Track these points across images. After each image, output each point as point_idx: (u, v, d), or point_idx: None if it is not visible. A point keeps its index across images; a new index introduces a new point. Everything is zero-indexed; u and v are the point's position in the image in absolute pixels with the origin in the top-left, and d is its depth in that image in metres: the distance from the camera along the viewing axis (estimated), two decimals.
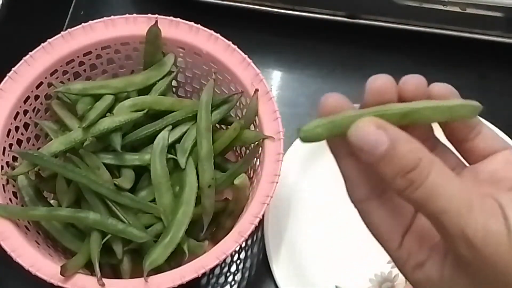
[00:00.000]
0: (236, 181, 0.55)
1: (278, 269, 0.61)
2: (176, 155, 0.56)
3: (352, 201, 0.33)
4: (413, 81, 0.32)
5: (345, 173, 0.33)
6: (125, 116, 0.56)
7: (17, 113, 0.57)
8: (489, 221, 0.29)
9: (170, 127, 0.57)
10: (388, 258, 0.60)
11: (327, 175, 0.66)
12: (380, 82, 0.32)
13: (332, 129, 0.31)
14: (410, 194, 0.29)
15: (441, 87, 0.33)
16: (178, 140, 0.57)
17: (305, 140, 0.31)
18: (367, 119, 0.30)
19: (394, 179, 0.29)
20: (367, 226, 0.33)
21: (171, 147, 0.57)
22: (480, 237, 0.29)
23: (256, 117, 0.57)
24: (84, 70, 0.61)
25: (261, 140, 0.56)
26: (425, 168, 0.29)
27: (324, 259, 0.63)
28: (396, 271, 0.61)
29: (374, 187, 0.32)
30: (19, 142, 0.58)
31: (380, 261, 0.62)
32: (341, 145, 0.32)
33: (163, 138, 0.56)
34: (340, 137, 0.31)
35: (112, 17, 0.59)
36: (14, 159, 0.57)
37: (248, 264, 0.63)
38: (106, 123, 0.55)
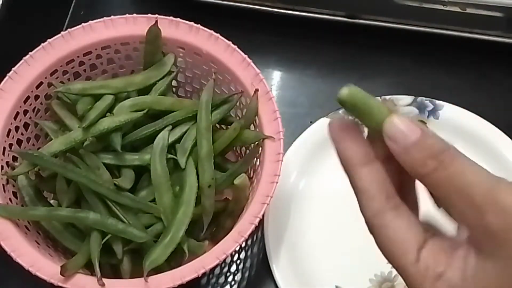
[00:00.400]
0: (236, 181, 0.55)
1: (278, 269, 0.61)
2: (176, 155, 0.56)
3: (367, 217, 0.33)
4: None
5: (359, 185, 0.33)
6: (125, 116, 0.56)
7: (17, 113, 0.57)
8: None
9: (170, 127, 0.57)
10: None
11: (328, 175, 0.66)
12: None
13: (367, 102, 0.31)
14: (439, 173, 0.31)
15: None
16: (178, 140, 0.57)
17: (348, 95, 0.31)
18: (402, 116, 0.31)
19: (424, 162, 0.31)
20: (381, 243, 0.34)
21: (171, 147, 0.57)
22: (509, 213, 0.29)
23: (256, 117, 0.57)
24: (84, 70, 0.61)
25: (261, 140, 0.56)
26: (452, 152, 0.31)
27: (324, 258, 0.63)
28: (396, 271, 0.61)
29: (390, 197, 0.32)
30: (19, 142, 0.58)
31: (380, 261, 0.61)
32: (356, 154, 0.32)
33: (163, 138, 0.56)
34: (360, 120, 0.32)
35: (112, 17, 0.60)
36: (14, 159, 0.57)
37: (248, 264, 0.63)
38: (106, 123, 0.55)
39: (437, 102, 0.68)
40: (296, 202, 0.65)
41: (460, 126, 0.67)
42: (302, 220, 0.64)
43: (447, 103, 0.68)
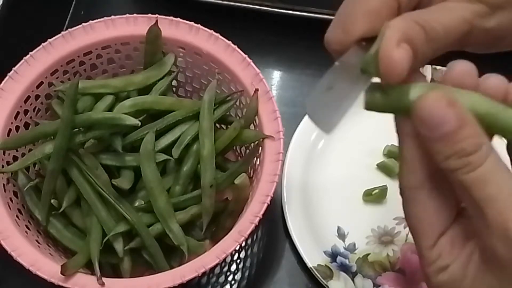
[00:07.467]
0: (236, 181, 0.55)
1: (290, 208, 0.63)
2: (172, 155, 0.56)
3: (402, 187, 0.33)
4: (495, 81, 0.31)
5: (405, 154, 0.32)
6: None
7: (18, 113, 0.57)
8: None
9: (155, 129, 0.56)
10: (395, 215, 0.63)
11: (346, 137, 0.68)
12: (459, 68, 0.32)
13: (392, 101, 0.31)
14: (461, 176, 0.29)
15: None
16: (177, 139, 0.57)
17: (366, 107, 0.31)
18: (439, 93, 0.29)
19: (449, 159, 0.29)
20: (408, 216, 0.33)
21: (170, 147, 0.57)
22: None
23: (256, 116, 0.57)
24: (85, 70, 0.61)
25: (261, 139, 0.56)
26: (483, 154, 0.29)
27: (333, 203, 0.65)
28: (399, 228, 0.63)
29: (430, 176, 0.31)
30: None
31: (387, 217, 0.64)
32: (408, 123, 0.31)
33: (148, 142, 0.55)
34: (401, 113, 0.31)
35: (113, 17, 0.60)
36: (15, 158, 0.57)
37: (248, 264, 0.63)
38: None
39: None
40: (312, 157, 0.67)
41: None
42: (317, 172, 0.66)
43: None
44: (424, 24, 0.31)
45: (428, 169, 0.31)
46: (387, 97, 0.31)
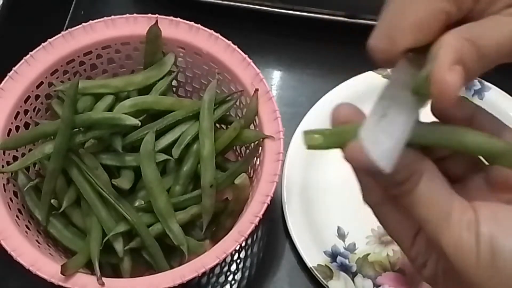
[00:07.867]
0: (236, 181, 0.55)
1: (290, 207, 0.63)
2: (172, 155, 0.56)
3: (366, 203, 0.35)
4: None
5: (359, 178, 0.35)
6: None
7: (18, 113, 0.57)
8: (462, 235, 0.30)
9: (155, 129, 0.56)
10: None
11: None
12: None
13: (333, 142, 0.32)
14: (400, 199, 0.32)
15: None
16: (178, 139, 0.57)
17: (308, 148, 0.32)
18: (358, 143, 0.31)
19: (386, 188, 0.32)
20: (382, 225, 0.35)
21: (170, 147, 0.57)
22: (451, 250, 0.30)
23: (256, 116, 0.57)
24: (85, 70, 0.61)
25: (261, 139, 0.56)
26: (414, 180, 0.31)
27: (333, 203, 0.64)
28: None
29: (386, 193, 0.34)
30: None
31: None
32: None
33: (148, 142, 0.55)
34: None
35: (113, 17, 0.60)
36: (15, 158, 0.57)
37: (248, 263, 0.63)
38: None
39: (485, 83, 0.69)
40: (313, 157, 0.66)
41: (503, 112, 0.67)
42: (317, 172, 0.66)
43: (495, 87, 0.69)
44: (476, 41, 0.31)
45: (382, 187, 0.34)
46: (325, 140, 0.32)
